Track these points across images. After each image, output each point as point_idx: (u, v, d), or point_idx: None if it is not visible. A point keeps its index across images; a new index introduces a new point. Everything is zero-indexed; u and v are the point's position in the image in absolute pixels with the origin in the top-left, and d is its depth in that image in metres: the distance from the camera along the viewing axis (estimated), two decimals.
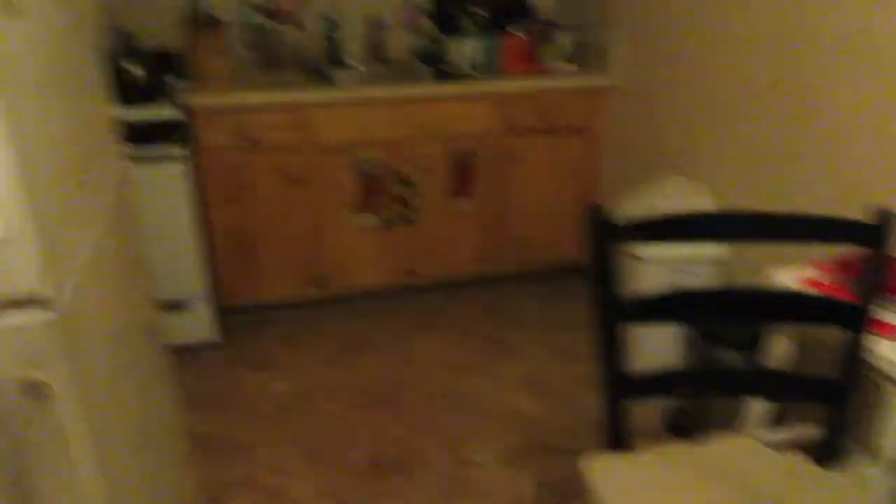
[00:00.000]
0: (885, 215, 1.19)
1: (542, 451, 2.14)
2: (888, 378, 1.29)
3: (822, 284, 1.53)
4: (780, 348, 1.54)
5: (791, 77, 2.02)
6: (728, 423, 1.65)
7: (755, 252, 1.72)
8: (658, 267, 1.50)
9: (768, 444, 1.31)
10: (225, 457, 2.13)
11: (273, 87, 2.70)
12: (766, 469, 1.25)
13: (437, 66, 2.97)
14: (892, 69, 1.69)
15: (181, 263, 2.58)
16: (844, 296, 1.26)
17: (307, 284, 2.91)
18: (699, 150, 2.47)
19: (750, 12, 2.15)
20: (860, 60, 1.78)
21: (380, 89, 2.70)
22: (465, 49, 3.00)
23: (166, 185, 2.48)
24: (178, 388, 1.97)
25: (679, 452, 1.31)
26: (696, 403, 1.64)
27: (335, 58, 3.01)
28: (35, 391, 0.84)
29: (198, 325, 2.68)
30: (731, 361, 1.57)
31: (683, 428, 1.79)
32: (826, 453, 1.28)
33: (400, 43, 3.15)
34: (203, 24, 2.76)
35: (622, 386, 1.25)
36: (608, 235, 1.17)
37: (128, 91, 2.46)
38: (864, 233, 1.21)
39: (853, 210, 1.52)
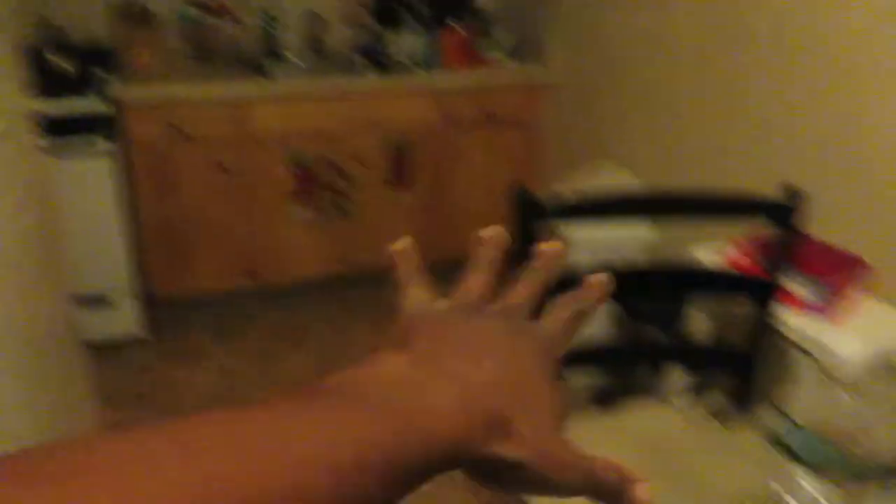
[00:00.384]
0: (794, 193, 1.26)
1: None
2: (796, 346, 1.37)
3: (740, 262, 1.61)
4: (697, 323, 1.62)
5: (718, 71, 2.11)
6: (651, 396, 1.72)
7: (682, 234, 1.79)
8: (586, 250, 1.55)
9: (683, 411, 1.38)
10: None
11: (208, 81, 2.67)
12: (675, 430, 1.32)
13: (377, 59, 2.99)
14: (807, 62, 1.79)
15: (106, 257, 2.51)
16: (757, 272, 1.33)
17: (240, 276, 2.85)
18: (632, 141, 2.54)
19: (679, 11, 2.24)
20: (783, 54, 1.88)
21: (317, 83, 2.70)
22: (405, 43, 3.02)
23: (92, 178, 2.41)
24: (96, 386, 1.91)
25: (596, 419, 1.37)
26: (620, 378, 1.71)
27: (273, 52, 2.99)
28: None
29: (124, 319, 2.62)
30: (653, 336, 1.64)
31: (608, 403, 1.86)
32: (736, 417, 1.36)
33: (339, 37, 3.15)
34: (136, 18, 2.71)
35: None
36: (533, 215, 1.21)
37: (54, 84, 2.39)
38: (774, 210, 1.27)
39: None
